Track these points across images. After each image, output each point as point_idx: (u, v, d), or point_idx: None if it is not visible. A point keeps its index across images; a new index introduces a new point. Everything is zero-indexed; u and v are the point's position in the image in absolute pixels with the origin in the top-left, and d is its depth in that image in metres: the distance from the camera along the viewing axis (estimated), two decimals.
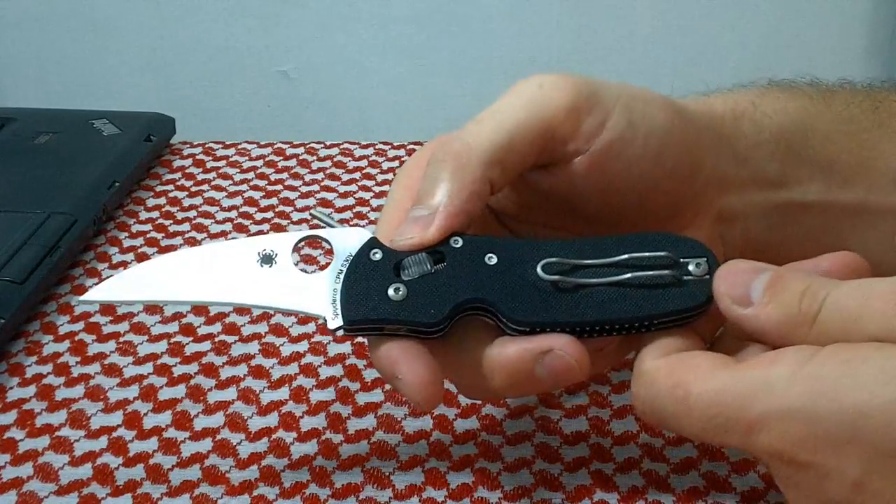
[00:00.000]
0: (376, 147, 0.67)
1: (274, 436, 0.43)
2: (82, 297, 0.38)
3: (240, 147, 0.68)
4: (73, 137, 0.65)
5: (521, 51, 1.49)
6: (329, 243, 0.37)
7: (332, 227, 0.39)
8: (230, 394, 0.45)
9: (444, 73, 1.51)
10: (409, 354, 0.35)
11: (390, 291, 0.36)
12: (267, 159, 0.66)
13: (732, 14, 1.46)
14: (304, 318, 0.50)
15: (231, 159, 0.66)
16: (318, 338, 0.49)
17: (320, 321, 0.38)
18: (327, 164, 0.66)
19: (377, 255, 0.37)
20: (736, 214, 0.42)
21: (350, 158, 0.66)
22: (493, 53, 1.50)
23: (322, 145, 0.68)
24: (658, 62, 1.49)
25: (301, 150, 0.67)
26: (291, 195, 0.62)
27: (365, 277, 0.36)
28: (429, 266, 0.36)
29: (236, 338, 0.49)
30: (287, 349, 0.48)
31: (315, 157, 0.66)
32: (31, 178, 0.60)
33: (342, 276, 0.36)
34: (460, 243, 0.36)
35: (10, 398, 0.45)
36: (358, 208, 0.60)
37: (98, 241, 0.57)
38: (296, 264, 0.38)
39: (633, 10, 1.47)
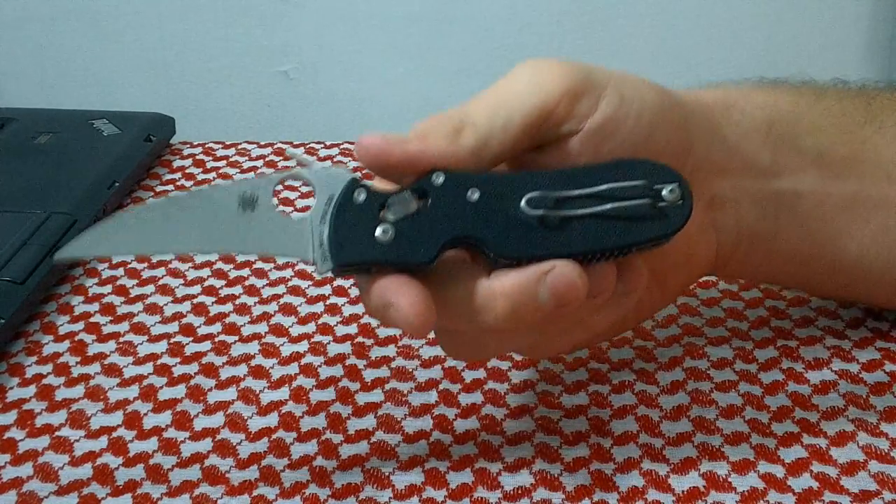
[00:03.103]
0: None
1: (274, 436, 0.43)
2: (57, 255, 0.37)
3: (240, 147, 0.68)
4: (73, 137, 0.65)
5: (521, 50, 1.49)
6: (310, 183, 0.37)
7: (311, 165, 0.39)
8: (230, 394, 0.45)
9: (444, 73, 1.51)
10: (400, 284, 0.36)
11: (378, 232, 0.36)
12: (267, 159, 0.66)
13: (733, 14, 1.46)
14: (304, 318, 0.50)
15: (231, 159, 0.66)
16: (318, 338, 0.49)
17: (308, 265, 0.37)
18: (327, 164, 0.66)
19: (361, 195, 0.37)
20: (728, 200, 0.43)
21: (350, 158, 0.66)
22: (493, 53, 1.49)
23: (322, 145, 0.68)
24: (658, 62, 1.49)
25: (301, 150, 0.67)
26: (292, 195, 0.62)
27: (351, 219, 0.37)
28: (413, 204, 0.37)
29: (236, 338, 0.49)
30: (287, 349, 0.48)
31: (315, 157, 0.66)
32: (31, 178, 0.60)
33: (328, 219, 0.37)
34: (442, 179, 0.37)
35: (10, 398, 0.45)
36: None
37: None
38: (277, 206, 0.38)
39: (633, 10, 1.47)
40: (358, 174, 0.37)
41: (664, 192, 0.37)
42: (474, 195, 0.37)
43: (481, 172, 0.37)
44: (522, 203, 0.37)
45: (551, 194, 0.37)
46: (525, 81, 0.38)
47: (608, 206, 0.37)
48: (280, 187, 0.38)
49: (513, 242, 0.36)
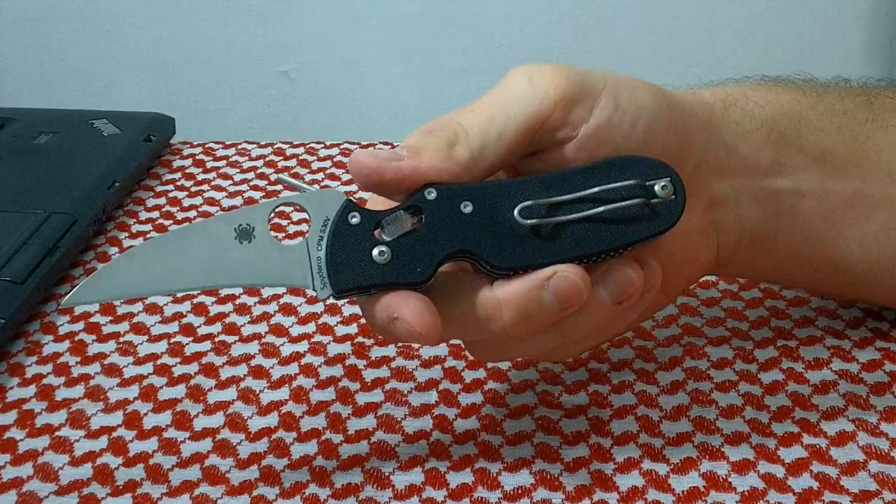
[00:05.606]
0: (376, 147, 0.67)
1: (274, 436, 0.43)
2: (62, 304, 0.38)
3: (240, 147, 0.68)
4: (73, 137, 0.65)
5: (521, 51, 1.49)
6: (304, 208, 0.37)
7: (302, 189, 0.39)
8: (230, 394, 0.45)
9: (444, 73, 1.51)
10: (404, 297, 0.36)
11: (374, 254, 0.36)
12: (267, 159, 0.66)
13: (733, 14, 1.46)
14: (304, 318, 0.50)
15: (231, 159, 0.66)
16: (318, 338, 0.49)
17: (308, 292, 0.37)
18: (327, 164, 0.66)
19: (355, 218, 0.37)
20: (728, 200, 0.43)
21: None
22: (493, 53, 1.50)
23: (322, 145, 0.68)
24: (658, 62, 1.49)
25: (301, 150, 0.67)
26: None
27: (347, 243, 0.37)
28: (408, 222, 0.37)
29: (236, 338, 0.49)
30: (287, 349, 0.48)
31: (315, 157, 0.66)
32: (31, 178, 0.60)
33: (324, 244, 0.37)
34: (434, 194, 0.37)
35: (10, 398, 0.45)
36: None
37: (98, 241, 0.57)
38: (273, 235, 0.38)
39: (633, 11, 1.47)
40: (350, 197, 0.37)
41: (657, 188, 0.37)
42: (467, 208, 0.37)
43: (473, 183, 0.37)
44: (516, 213, 0.37)
45: (544, 202, 0.37)
46: (518, 89, 0.38)
47: (601, 208, 0.37)
48: (273, 215, 0.38)
49: (508, 254, 0.36)
